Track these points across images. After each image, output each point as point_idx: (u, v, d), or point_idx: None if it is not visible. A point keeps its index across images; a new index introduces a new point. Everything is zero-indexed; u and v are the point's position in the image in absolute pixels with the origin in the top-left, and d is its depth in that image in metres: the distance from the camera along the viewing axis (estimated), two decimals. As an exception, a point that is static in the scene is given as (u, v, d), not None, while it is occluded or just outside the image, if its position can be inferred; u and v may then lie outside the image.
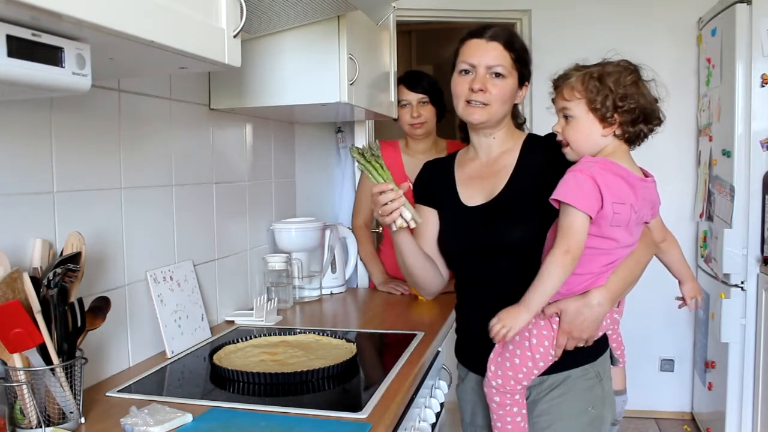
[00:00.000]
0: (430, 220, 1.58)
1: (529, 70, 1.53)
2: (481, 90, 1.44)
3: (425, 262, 1.54)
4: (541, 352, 1.34)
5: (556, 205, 1.28)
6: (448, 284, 1.64)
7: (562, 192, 1.25)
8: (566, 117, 1.31)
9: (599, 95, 1.26)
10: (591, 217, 1.24)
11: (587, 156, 1.30)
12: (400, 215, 1.37)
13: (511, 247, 1.43)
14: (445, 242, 1.56)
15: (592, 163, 1.27)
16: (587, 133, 1.29)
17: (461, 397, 1.63)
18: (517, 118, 1.59)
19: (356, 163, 1.51)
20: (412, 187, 1.64)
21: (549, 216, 1.33)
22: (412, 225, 1.39)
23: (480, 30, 1.49)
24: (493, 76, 1.46)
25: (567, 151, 1.35)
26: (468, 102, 1.47)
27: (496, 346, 1.40)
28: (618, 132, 1.29)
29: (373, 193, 1.39)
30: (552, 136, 1.41)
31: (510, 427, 1.40)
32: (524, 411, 1.40)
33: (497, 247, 1.45)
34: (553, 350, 1.34)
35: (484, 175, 1.53)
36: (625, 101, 1.26)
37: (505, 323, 1.26)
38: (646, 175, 1.34)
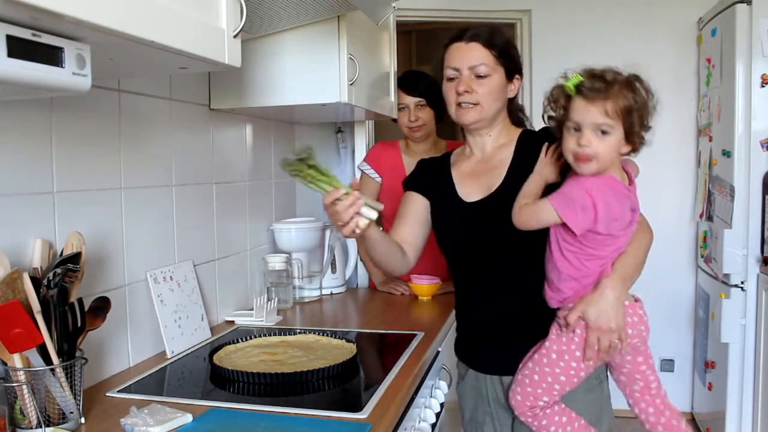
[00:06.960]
0: (414, 203, 1.59)
1: (515, 63, 1.51)
2: (467, 91, 1.46)
3: (389, 249, 1.50)
4: (561, 366, 1.34)
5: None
6: (449, 284, 1.64)
7: (562, 206, 1.26)
8: (602, 132, 1.24)
9: (636, 125, 1.25)
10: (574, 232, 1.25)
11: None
12: (361, 215, 1.28)
13: (511, 242, 1.43)
14: (445, 239, 1.56)
15: (599, 183, 1.26)
16: (616, 152, 1.27)
17: (461, 395, 1.63)
18: (514, 114, 1.57)
19: (299, 175, 1.36)
20: (402, 183, 1.66)
21: None
22: (374, 216, 1.30)
23: (460, 33, 1.50)
24: (477, 76, 1.46)
25: (590, 165, 1.25)
26: (459, 105, 1.48)
27: (521, 365, 1.41)
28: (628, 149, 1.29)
29: (326, 204, 1.30)
30: (547, 131, 1.41)
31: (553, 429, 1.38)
32: (560, 407, 1.38)
33: (498, 242, 1.45)
34: (575, 363, 1.33)
35: (480, 171, 1.53)
36: (649, 129, 1.27)
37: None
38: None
